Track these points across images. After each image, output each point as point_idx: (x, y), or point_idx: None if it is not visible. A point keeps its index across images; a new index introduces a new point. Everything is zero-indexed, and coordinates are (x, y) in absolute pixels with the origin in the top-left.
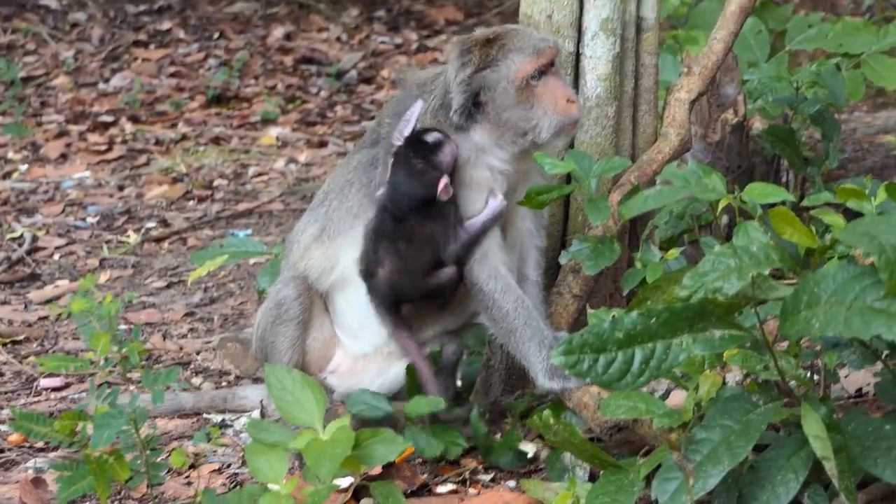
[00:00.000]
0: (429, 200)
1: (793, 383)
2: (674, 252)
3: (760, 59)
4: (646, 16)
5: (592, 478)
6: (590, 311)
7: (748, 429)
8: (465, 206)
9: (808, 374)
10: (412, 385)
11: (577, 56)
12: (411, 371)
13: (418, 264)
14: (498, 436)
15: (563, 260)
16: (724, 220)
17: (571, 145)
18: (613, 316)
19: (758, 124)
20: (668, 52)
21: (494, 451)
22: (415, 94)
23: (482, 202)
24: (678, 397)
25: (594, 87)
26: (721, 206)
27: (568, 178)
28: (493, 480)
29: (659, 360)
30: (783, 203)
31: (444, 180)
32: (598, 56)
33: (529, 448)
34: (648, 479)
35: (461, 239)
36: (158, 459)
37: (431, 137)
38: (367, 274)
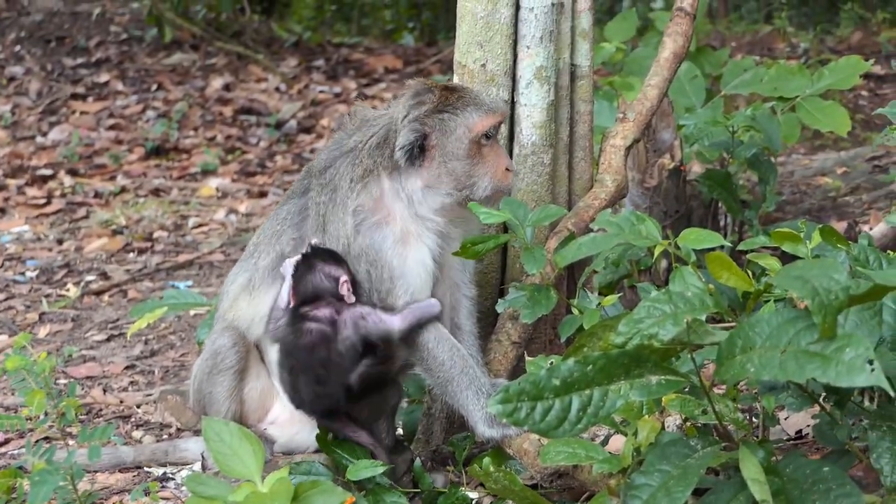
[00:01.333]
0: (335, 311)
1: (731, 427)
2: (611, 298)
3: (696, 104)
4: (580, 63)
5: None
6: (528, 358)
7: (687, 473)
8: (398, 262)
9: (747, 418)
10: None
11: (512, 104)
12: (322, 440)
13: (340, 374)
14: (440, 482)
15: (500, 308)
16: (664, 264)
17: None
18: (550, 363)
19: (695, 168)
20: (603, 99)
21: (438, 499)
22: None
23: (414, 257)
24: (618, 442)
25: (529, 135)
26: (657, 252)
27: (505, 227)
28: None
29: (596, 407)
30: (721, 248)
31: (343, 277)
32: (532, 104)
33: (473, 495)
34: None
35: (400, 318)
36: None
37: (321, 250)
38: (296, 401)
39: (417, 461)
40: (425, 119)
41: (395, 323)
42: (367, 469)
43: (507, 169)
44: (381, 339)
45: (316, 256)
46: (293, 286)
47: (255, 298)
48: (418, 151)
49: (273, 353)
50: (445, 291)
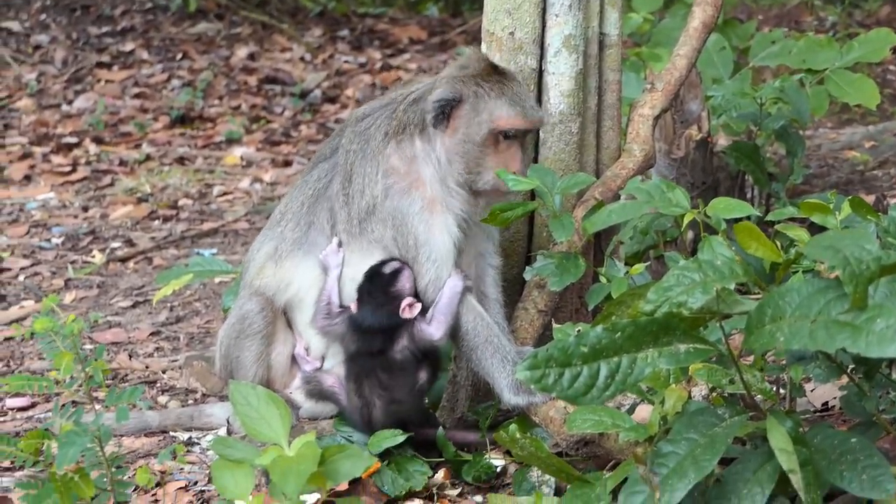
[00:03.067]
0: (396, 325)
1: (758, 397)
2: (638, 267)
3: (724, 76)
4: (608, 32)
5: (558, 494)
6: (555, 326)
7: (714, 442)
8: (424, 229)
9: (774, 388)
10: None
11: (540, 73)
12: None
13: (407, 385)
14: (465, 452)
15: (527, 276)
16: (690, 235)
17: (536, 159)
18: (578, 330)
19: (722, 141)
20: (631, 70)
21: (463, 466)
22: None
23: (439, 226)
24: (643, 412)
25: (557, 104)
26: (685, 221)
27: (532, 195)
28: (460, 495)
29: (624, 375)
30: (748, 218)
31: (406, 301)
32: (560, 73)
33: (498, 462)
34: (615, 493)
35: (435, 325)
36: (124, 477)
37: (388, 268)
38: (365, 423)
39: (440, 430)
40: (465, 84)
41: (433, 334)
42: (387, 440)
43: (515, 174)
44: (428, 348)
45: (385, 272)
46: (357, 300)
47: (280, 267)
48: (446, 114)
49: (299, 320)
50: (471, 261)
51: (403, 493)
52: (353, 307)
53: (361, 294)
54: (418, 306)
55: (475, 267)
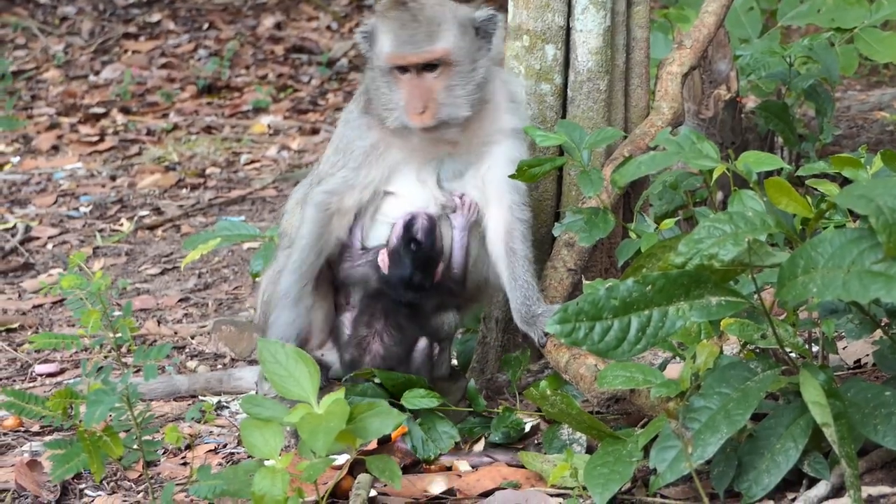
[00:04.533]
0: (433, 286)
1: (791, 352)
2: (668, 222)
3: (752, 36)
4: None
5: (590, 451)
6: (585, 282)
7: (746, 397)
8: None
9: (806, 344)
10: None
11: (568, 30)
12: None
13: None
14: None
15: (556, 232)
16: (719, 196)
17: (563, 118)
18: (609, 284)
19: (750, 103)
20: (658, 31)
21: (493, 424)
22: None
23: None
24: (674, 370)
25: (585, 61)
26: (715, 175)
27: (560, 151)
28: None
29: (655, 328)
30: (778, 172)
31: (441, 266)
32: (588, 30)
33: (528, 421)
34: (646, 450)
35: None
36: (153, 438)
37: (421, 233)
38: (363, 348)
39: (472, 383)
40: (376, 17)
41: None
42: (422, 399)
43: (415, 112)
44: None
45: (419, 237)
46: (390, 258)
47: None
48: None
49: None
50: (500, 217)
51: (433, 456)
52: (382, 263)
53: (395, 254)
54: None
55: (504, 222)
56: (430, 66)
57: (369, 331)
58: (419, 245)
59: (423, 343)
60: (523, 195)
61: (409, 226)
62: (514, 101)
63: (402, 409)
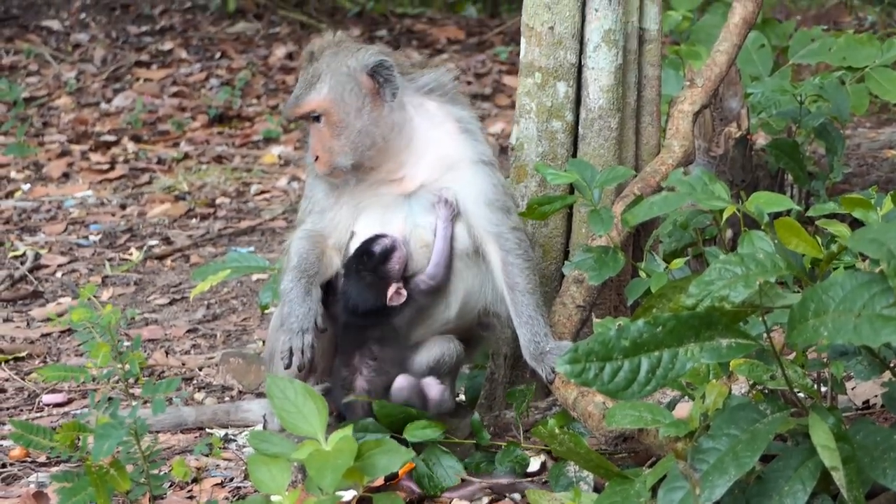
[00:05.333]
0: (381, 308)
1: (800, 393)
2: (678, 262)
3: (763, 74)
4: (648, 27)
5: (597, 490)
6: (595, 320)
7: (755, 438)
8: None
9: (815, 385)
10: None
11: (580, 68)
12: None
13: (398, 357)
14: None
15: (566, 270)
16: (729, 234)
17: (574, 155)
18: (619, 324)
19: (761, 139)
20: (670, 67)
21: (497, 458)
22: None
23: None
24: (683, 409)
25: (597, 99)
26: (725, 216)
27: (571, 190)
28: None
29: (666, 369)
30: (788, 213)
31: (393, 287)
32: (600, 67)
33: (534, 459)
34: (654, 490)
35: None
36: (160, 471)
37: (378, 247)
38: (347, 390)
39: (476, 416)
40: None
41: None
42: (424, 430)
43: (315, 160)
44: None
45: (375, 251)
46: (344, 275)
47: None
48: None
49: None
50: (493, 251)
51: (439, 492)
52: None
53: (348, 270)
54: (404, 294)
55: (497, 254)
56: (317, 117)
57: (349, 370)
58: (370, 258)
59: (405, 380)
60: (508, 224)
61: (370, 240)
62: (466, 132)
63: (406, 443)
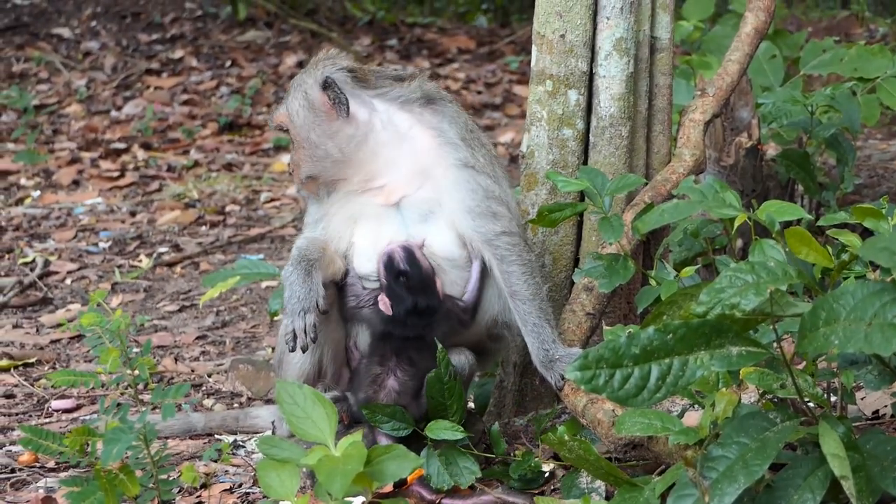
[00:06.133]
0: (437, 304)
1: (810, 402)
2: (689, 270)
3: (774, 84)
4: (659, 36)
5: (608, 499)
6: (605, 327)
7: (765, 447)
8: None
9: (825, 394)
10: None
11: (591, 76)
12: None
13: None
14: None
15: (576, 278)
16: (739, 243)
17: (585, 163)
18: (629, 332)
19: (771, 151)
20: (681, 77)
21: (511, 467)
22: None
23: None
24: (692, 417)
25: (608, 107)
26: (736, 224)
27: (581, 196)
28: None
29: (676, 377)
30: (799, 222)
31: (439, 281)
32: (611, 76)
33: (546, 466)
34: (664, 498)
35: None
36: (169, 477)
37: (402, 262)
38: (378, 386)
39: (495, 426)
40: None
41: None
42: (446, 430)
43: (291, 173)
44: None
45: (401, 267)
46: (388, 296)
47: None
48: None
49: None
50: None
51: (448, 487)
52: (384, 307)
53: (390, 291)
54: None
55: (494, 261)
56: (286, 131)
57: (382, 368)
58: (407, 274)
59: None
60: (495, 229)
61: (389, 264)
62: (442, 140)
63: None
